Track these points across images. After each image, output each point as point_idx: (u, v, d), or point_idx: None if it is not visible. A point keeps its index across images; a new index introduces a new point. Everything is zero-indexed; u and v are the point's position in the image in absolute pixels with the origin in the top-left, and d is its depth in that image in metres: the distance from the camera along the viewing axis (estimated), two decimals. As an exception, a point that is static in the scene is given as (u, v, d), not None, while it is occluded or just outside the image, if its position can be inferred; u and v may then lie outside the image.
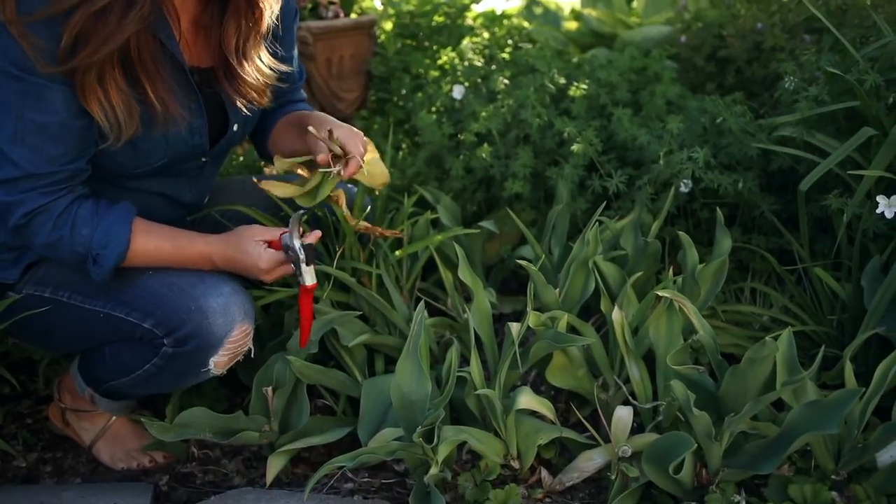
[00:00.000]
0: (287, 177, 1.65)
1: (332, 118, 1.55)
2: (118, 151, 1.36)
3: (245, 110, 1.48)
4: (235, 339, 1.41)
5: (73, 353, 1.62)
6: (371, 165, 1.58)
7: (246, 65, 1.42)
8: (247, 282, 1.78)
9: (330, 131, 1.45)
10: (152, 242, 1.40)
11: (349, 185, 1.78)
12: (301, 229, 1.45)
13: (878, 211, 1.57)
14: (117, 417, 1.67)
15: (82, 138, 1.32)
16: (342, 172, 1.45)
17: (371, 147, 1.60)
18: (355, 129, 1.51)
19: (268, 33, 1.43)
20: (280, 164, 1.57)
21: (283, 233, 1.44)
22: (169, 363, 1.42)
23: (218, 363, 1.42)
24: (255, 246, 1.41)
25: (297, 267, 1.43)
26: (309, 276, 1.45)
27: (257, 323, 1.75)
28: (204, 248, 1.42)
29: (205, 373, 1.43)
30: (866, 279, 1.62)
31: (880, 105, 1.65)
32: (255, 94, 1.47)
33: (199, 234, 1.44)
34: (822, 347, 1.43)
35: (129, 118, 1.30)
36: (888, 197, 1.57)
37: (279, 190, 1.54)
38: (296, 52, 1.63)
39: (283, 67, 1.49)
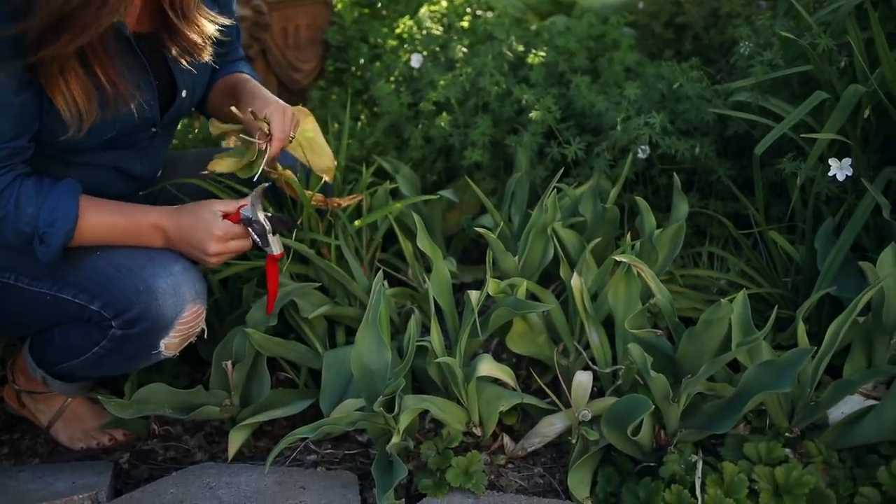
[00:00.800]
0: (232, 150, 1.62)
1: (263, 92, 1.53)
2: (68, 128, 1.32)
3: (192, 69, 1.45)
4: (186, 320, 1.39)
5: (23, 335, 1.59)
6: (310, 146, 1.57)
7: (187, 19, 1.39)
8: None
9: (254, 112, 1.43)
10: (100, 218, 1.36)
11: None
12: (263, 203, 1.44)
13: (831, 174, 1.60)
14: (73, 398, 1.65)
15: (24, 115, 1.28)
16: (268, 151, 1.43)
17: (312, 126, 1.57)
18: (286, 106, 1.48)
19: None
20: (214, 129, 1.55)
21: (242, 206, 1.42)
22: (118, 345, 1.39)
23: (169, 345, 1.40)
24: (211, 215, 1.39)
25: (264, 238, 1.42)
26: (276, 246, 1.44)
27: (215, 297, 1.74)
28: (156, 220, 1.39)
29: (155, 355, 1.41)
30: (819, 241, 1.65)
31: (832, 69, 1.67)
32: (197, 50, 1.43)
33: (150, 207, 1.41)
34: (776, 308, 1.45)
35: (89, 105, 1.28)
36: (840, 160, 1.60)
37: (221, 166, 1.51)
38: (235, 7, 1.62)
39: (223, 20, 1.45)
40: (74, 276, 1.39)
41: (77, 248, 1.38)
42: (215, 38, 1.44)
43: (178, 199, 1.63)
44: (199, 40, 1.42)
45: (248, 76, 1.62)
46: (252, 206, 1.41)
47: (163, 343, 1.39)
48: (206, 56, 1.45)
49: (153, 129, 1.49)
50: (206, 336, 1.46)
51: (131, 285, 1.35)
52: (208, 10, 1.43)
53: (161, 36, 1.41)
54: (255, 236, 1.42)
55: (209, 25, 1.42)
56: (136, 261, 1.38)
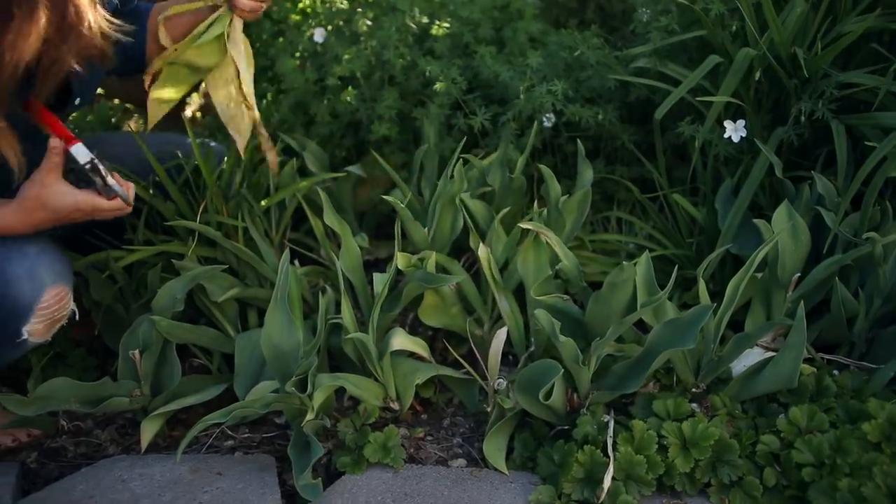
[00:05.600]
0: None
1: None
2: None
3: (87, 76, 1.37)
4: (47, 304, 1.32)
5: None
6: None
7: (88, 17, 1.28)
8: (105, 243, 1.70)
9: None
10: None
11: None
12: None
13: (726, 136, 1.65)
14: (-31, 399, 1.57)
15: None
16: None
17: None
18: None
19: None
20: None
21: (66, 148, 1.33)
22: None
23: (34, 332, 1.33)
24: (62, 196, 1.31)
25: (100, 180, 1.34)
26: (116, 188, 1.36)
27: (119, 285, 1.69)
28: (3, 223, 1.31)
29: (22, 342, 1.33)
30: (719, 202, 1.70)
31: (725, 34, 1.71)
32: (100, 48, 1.32)
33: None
34: (676, 267, 1.49)
35: None
36: (735, 122, 1.65)
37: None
38: None
39: (126, 27, 1.35)
40: None
41: None
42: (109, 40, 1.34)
43: None
44: (94, 51, 1.31)
45: None
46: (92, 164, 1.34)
47: (25, 330, 1.32)
48: (108, 64, 1.37)
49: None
50: (76, 318, 1.40)
51: None
52: (103, 12, 1.30)
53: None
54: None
55: (104, 28, 1.31)
56: None
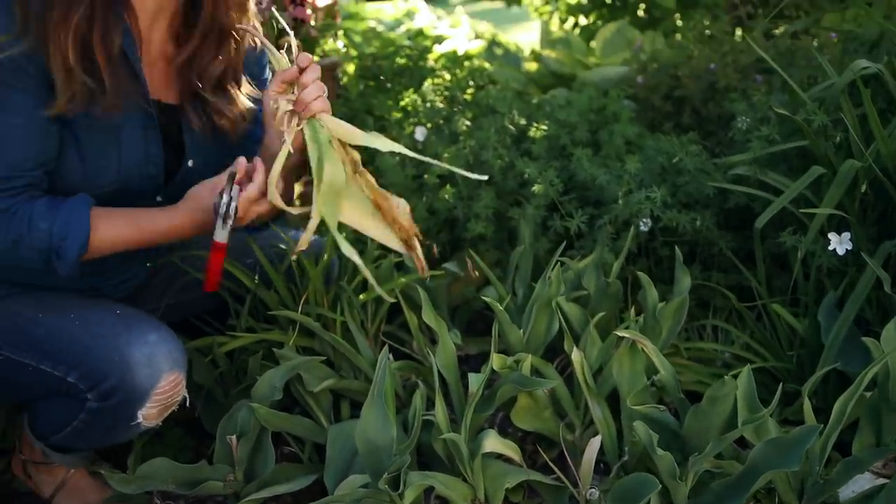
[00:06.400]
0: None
1: None
2: (70, 168, 1.35)
3: (207, 141, 1.48)
4: (163, 390, 1.37)
5: (15, 403, 1.58)
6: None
7: (232, 89, 1.46)
8: (210, 327, 1.77)
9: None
10: (113, 228, 1.37)
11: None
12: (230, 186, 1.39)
13: (831, 248, 1.62)
14: (76, 470, 1.64)
15: (45, 145, 1.31)
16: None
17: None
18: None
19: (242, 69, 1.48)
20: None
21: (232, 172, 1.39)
22: (96, 418, 1.38)
23: (147, 416, 1.37)
24: (210, 193, 1.39)
25: (216, 221, 1.38)
26: (222, 234, 1.39)
27: (220, 370, 1.74)
28: (167, 221, 1.40)
29: (135, 426, 1.38)
30: (823, 315, 1.66)
31: (828, 144, 1.71)
32: (227, 123, 1.47)
33: (160, 210, 1.42)
34: (781, 385, 1.45)
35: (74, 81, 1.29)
36: (839, 234, 1.62)
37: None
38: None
39: (252, 105, 1.50)
40: (53, 347, 1.38)
41: (54, 312, 1.40)
42: (244, 113, 1.48)
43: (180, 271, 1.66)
44: (231, 113, 1.46)
45: None
46: (225, 188, 1.37)
47: (140, 414, 1.37)
48: (234, 136, 1.49)
49: (157, 198, 1.50)
50: (187, 405, 1.45)
51: (106, 356, 1.34)
52: (248, 82, 1.48)
53: (184, 107, 1.46)
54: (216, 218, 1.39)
55: (243, 100, 1.47)
56: (111, 329, 1.38)
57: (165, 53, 1.45)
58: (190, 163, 1.51)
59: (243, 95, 1.48)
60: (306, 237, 1.33)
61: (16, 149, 1.29)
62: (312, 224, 1.33)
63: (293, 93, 1.36)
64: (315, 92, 1.35)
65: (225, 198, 1.37)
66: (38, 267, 1.35)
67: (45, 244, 1.32)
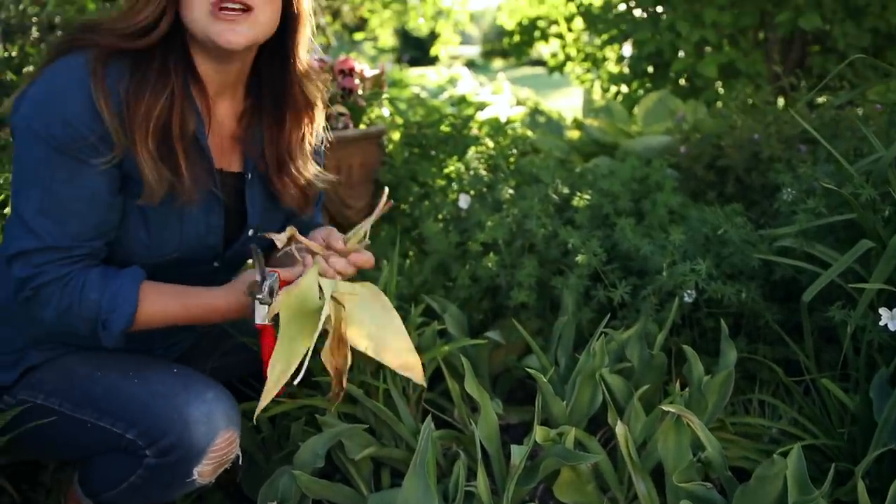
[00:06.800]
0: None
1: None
2: (133, 238, 1.39)
3: (266, 209, 1.54)
4: (219, 447, 1.39)
5: (70, 460, 1.61)
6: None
7: (296, 163, 1.53)
8: (252, 390, 1.79)
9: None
10: (161, 305, 1.39)
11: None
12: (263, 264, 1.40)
13: (882, 323, 1.58)
14: (122, 529, 1.65)
15: (107, 218, 1.36)
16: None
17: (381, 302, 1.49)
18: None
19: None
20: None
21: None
22: (153, 474, 1.40)
23: (202, 472, 1.39)
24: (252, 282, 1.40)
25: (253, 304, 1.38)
26: (261, 316, 1.38)
27: (263, 435, 1.75)
28: (212, 301, 1.43)
29: (190, 482, 1.40)
30: (874, 391, 1.61)
31: (877, 218, 1.69)
32: (296, 196, 1.55)
33: (207, 291, 1.44)
34: (833, 465, 1.41)
35: (159, 179, 1.35)
36: (890, 309, 1.59)
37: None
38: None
39: (330, 176, 1.59)
40: (112, 404, 1.41)
41: (113, 370, 1.43)
42: (319, 180, 1.56)
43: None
44: (298, 185, 1.53)
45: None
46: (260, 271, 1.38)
47: (196, 471, 1.38)
48: (307, 210, 1.57)
49: (214, 264, 1.55)
50: (239, 462, 1.46)
51: (165, 414, 1.37)
52: (314, 163, 1.56)
53: (247, 176, 1.52)
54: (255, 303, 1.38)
55: (313, 171, 1.55)
56: (170, 388, 1.41)
57: (229, 127, 1.51)
58: (250, 231, 1.56)
59: (309, 173, 1.56)
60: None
61: (80, 221, 1.34)
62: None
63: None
64: (345, 269, 1.43)
65: (258, 278, 1.38)
66: (85, 335, 1.39)
67: (93, 314, 1.35)
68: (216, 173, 1.47)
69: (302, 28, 1.47)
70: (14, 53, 4.08)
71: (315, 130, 1.57)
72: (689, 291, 1.82)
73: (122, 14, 1.37)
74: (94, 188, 1.33)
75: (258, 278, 1.38)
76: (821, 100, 2.76)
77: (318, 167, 1.59)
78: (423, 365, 1.82)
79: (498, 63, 18.02)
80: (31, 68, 3.94)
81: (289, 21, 1.45)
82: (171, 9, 1.35)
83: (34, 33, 5.14)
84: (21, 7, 5.08)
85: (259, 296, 1.38)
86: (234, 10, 1.33)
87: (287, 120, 1.51)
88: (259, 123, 1.52)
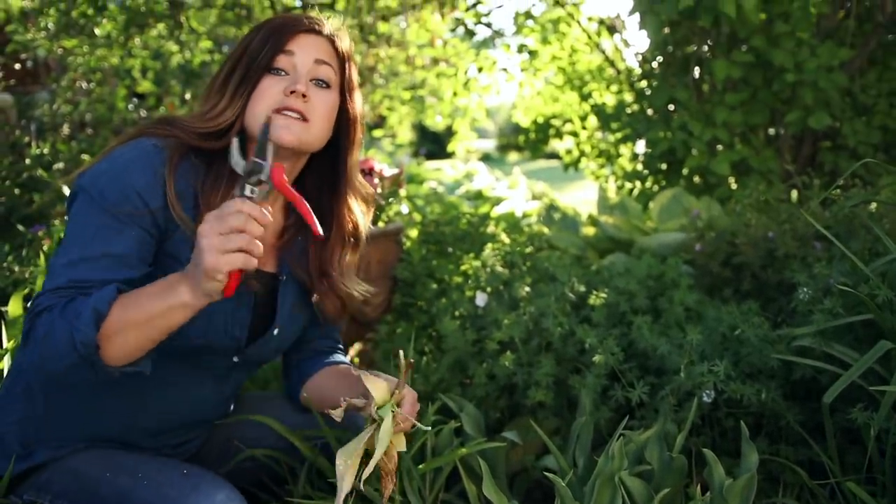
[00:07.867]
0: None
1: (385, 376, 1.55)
2: None
3: (297, 312, 1.61)
4: None
5: None
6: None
7: (338, 277, 1.61)
8: (266, 492, 1.77)
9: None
10: (121, 306, 1.28)
11: None
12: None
13: (905, 426, 1.56)
14: None
15: (118, 277, 1.34)
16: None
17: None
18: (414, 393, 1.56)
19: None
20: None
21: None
22: None
23: None
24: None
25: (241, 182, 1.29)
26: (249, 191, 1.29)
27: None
28: (168, 279, 1.30)
29: None
30: (902, 496, 1.58)
31: (895, 318, 1.69)
32: (338, 307, 1.64)
33: (166, 286, 1.30)
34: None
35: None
36: (913, 412, 1.57)
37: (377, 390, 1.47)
38: None
39: (370, 289, 1.69)
40: None
41: (122, 472, 1.43)
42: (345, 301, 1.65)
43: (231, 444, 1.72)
44: (336, 301, 1.63)
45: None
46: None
47: None
48: (336, 313, 1.65)
49: (234, 359, 1.57)
50: None
51: None
52: (360, 281, 1.68)
53: (282, 278, 1.58)
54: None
55: (357, 287, 1.66)
56: (179, 489, 1.39)
57: (269, 239, 1.57)
58: (276, 331, 1.59)
59: (351, 288, 1.65)
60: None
61: (107, 272, 1.34)
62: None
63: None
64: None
65: (259, 160, 1.28)
66: (64, 350, 1.26)
67: (66, 331, 1.26)
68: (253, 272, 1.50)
69: (353, 147, 1.59)
70: (46, 150, 4.22)
71: (360, 252, 1.67)
72: (707, 391, 1.80)
73: (200, 115, 1.47)
74: (132, 249, 1.36)
75: (258, 160, 1.29)
76: (834, 195, 2.78)
77: (365, 285, 1.68)
78: (440, 467, 1.81)
79: (513, 156, 18.37)
80: (61, 165, 4.07)
81: (342, 136, 1.58)
82: (243, 113, 1.46)
83: (65, 130, 5.33)
84: (55, 107, 5.29)
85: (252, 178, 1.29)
86: (292, 116, 1.45)
87: (332, 241, 1.60)
88: (301, 238, 1.60)
